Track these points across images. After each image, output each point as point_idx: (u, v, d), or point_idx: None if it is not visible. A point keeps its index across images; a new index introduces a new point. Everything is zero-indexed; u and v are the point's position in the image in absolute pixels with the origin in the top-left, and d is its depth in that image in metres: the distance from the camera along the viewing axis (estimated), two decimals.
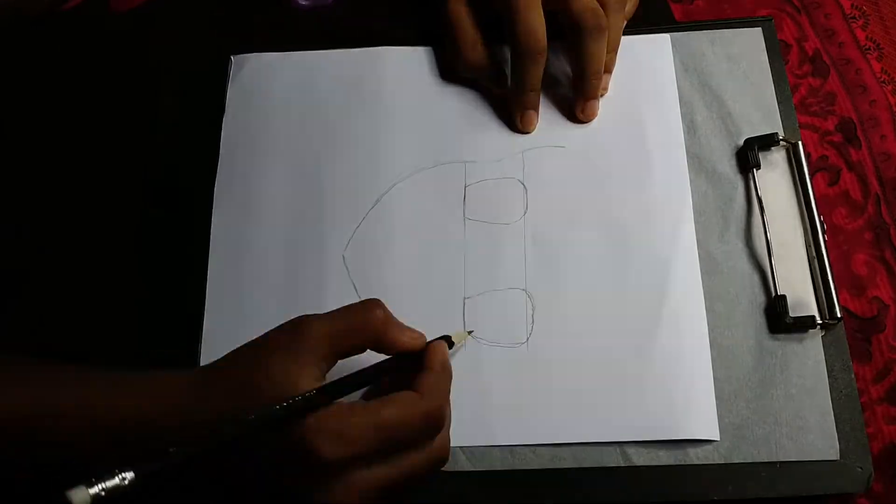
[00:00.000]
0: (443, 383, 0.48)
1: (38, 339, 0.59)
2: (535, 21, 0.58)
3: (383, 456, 0.45)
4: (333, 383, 0.46)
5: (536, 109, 0.61)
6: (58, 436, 0.45)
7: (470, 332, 0.56)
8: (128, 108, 0.66)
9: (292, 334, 0.46)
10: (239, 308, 0.58)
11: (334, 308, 0.56)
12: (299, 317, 0.47)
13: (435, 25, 0.64)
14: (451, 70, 0.64)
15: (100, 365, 0.48)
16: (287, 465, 0.44)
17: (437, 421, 0.47)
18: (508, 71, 0.62)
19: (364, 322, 0.47)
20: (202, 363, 0.56)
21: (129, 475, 0.38)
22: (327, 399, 0.44)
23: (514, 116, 0.61)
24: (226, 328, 0.57)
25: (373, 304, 0.48)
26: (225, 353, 0.56)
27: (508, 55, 0.61)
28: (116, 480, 0.38)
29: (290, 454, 0.43)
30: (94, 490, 0.37)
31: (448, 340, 0.52)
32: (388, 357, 0.50)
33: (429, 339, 0.50)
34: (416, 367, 0.49)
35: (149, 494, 0.39)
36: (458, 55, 0.62)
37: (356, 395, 0.49)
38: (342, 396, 0.45)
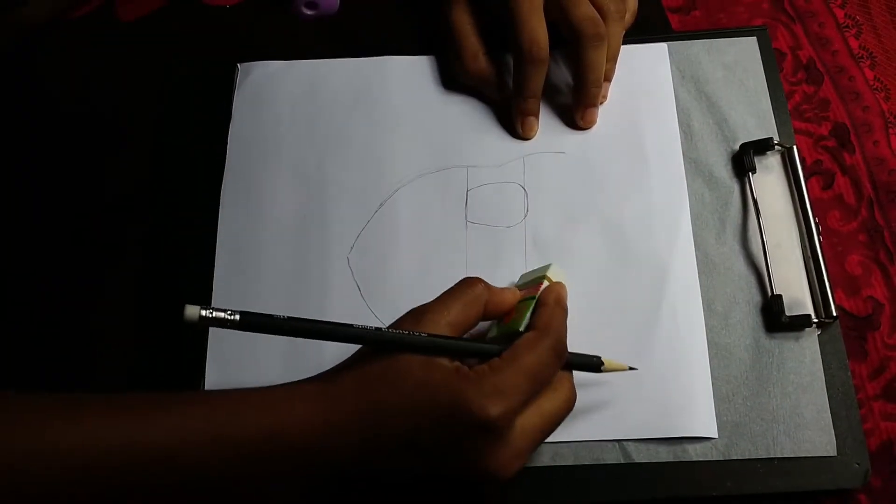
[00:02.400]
0: (558, 317, 0.50)
1: (40, 342, 0.60)
2: (538, 29, 0.59)
3: (531, 401, 0.47)
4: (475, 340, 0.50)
5: (537, 116, 0.63)
6: (194, 464, 0.44)
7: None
8: (135, 116, 0.66)
9: (413, 319, 0.48)
10: (244, 308, 0.58)
11: (338, 308, 0.58)
12: (418, 308, 0.49)
13: (438, 34, 0.65)
14: (453, 78, 0.65)
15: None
16: (458, 429, 0.45)
17: (562, 353, 0.49)
18: (509, 79, 0.63)
19: (475, 297, 0.50)
20: (208, 367, 0.57)
21: (237, 317, 0.44)
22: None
23: (515, 123, 0.63)
24: (232, 331, 0.58)
25: (476, 280, 0.51)
26: (230, 355, 0.57)
27: (509, 63, 0.63)
28: (224, 315, 0.43)
29: (456, 418, 0.45)
30: (205, 312, 0.42)
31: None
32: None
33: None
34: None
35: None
36: (460, 64, 0.63)
37: None
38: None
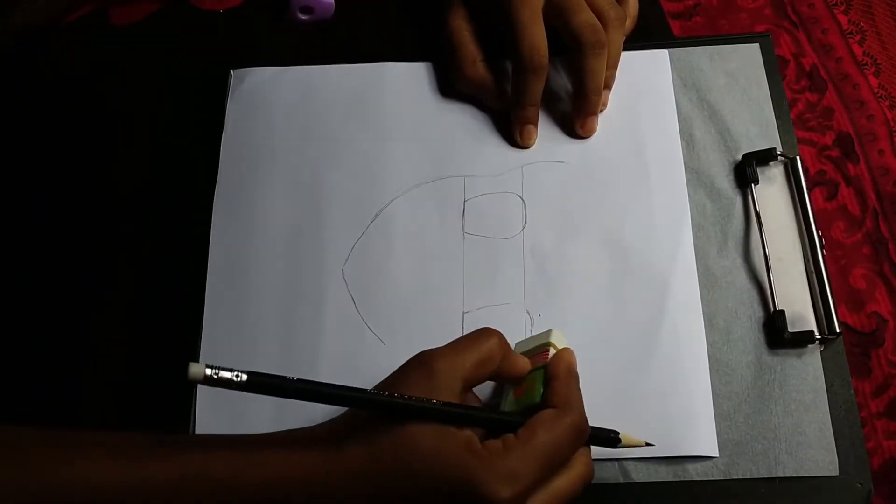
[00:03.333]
0: (575, 390, 0.48)
1: (37, 342, 0.59)
2: (538, 37, 0.58)
3: (544, 481, 0.45)
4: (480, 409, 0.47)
5: (536, 124, 0.62)
6: None
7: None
8: (128, 122, 0.66)
9: (424, 372, 0.46)
10: (237, 322, 0.58)
11: (332, 322, 0.56)
12: (425, 353, 0.47)
13: (435, 41, 0.64)
14: (450, 86, 0.64)
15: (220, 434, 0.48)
16: None
17: (583, 431, 0.47)
18: (507, 87, 0.62)
19: (490, 353, 0.48)
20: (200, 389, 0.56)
21: (244, 377, 0.41)
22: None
23: (513, 131, 0.62)
24: (224, 342, 0.57)
25: (494, 333, 0.49)
26: (223, 366, 0.56)
27: (507, 71, 0.62)
28: (230, 375, 0.41)
29: (466, 499, 0.43)
30: (209, 371, 0.40)
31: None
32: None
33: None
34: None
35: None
36: (458, 71, 0.62)
37: None
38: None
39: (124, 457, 0.44)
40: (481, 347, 0.48)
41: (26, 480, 0.42)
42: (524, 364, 0.50)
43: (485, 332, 0.49)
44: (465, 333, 0.55)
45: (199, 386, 0.56)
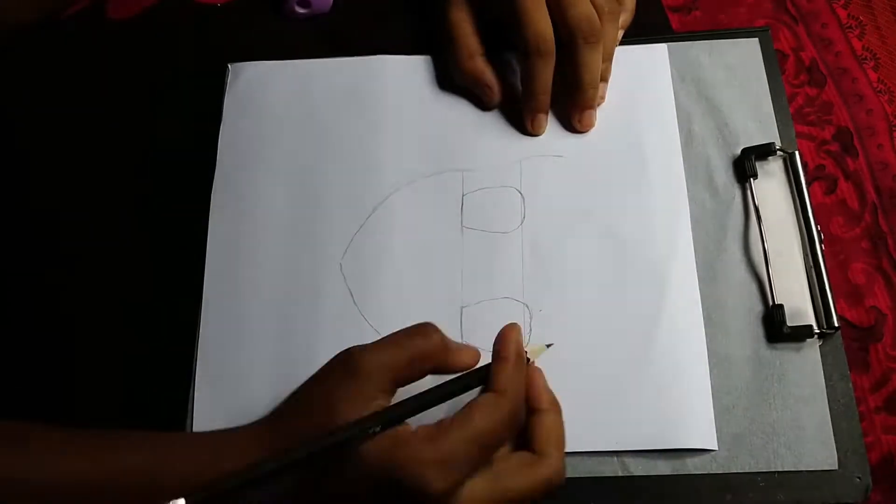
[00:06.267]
0: (518, 374, 0.46)
1: (27, 344, 0.59)
2: (543, 22, 0.58)
3: (481, 466, 0.44)
4: (400, 404, 0.45)
5: (546, 113, 0.61)
6: (121, 502, 0.45)
7: (549, 346, 0.53)
8: (125, 116, 0.65)
9: (347, 370, 0.46)
10: (235, 315, 0.58)
11: (330, 315, 0.56)
12: (348, 351, 0.47)
13: (435, 34, 0.64)
14: (449, 79, 0.64)
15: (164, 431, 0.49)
16: (395, 500, 0.43)
17: (520, 419, 0.46)
18: (508, 81, 0.62)
19: (424, 351, 0.47)
20: (197, 371, 0.56)
21: (181, 501, 0.40)
22: (396, 417, 0.44)
23: (525, 120, 0.61)
24: (222, 335, 0.57)
25: (430, 330, 0.47)
26: (221, 361, 0.57)
27: (508, 65, 0.62)
28: None
29: (396, 492, 0.42)
30: None
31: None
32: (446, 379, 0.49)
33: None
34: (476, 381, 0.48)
35: None
36: (457, 64, 0.62)
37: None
38: (409, 417, 0.45)
39: (69, 451, 0.45)
40: (413, 345, 0.47)
41: None
42: (472, 354, 0.49)
43: (420, 329, 0.47)
44: (462, 328, 0.56)
45: (196, 385, 0.56)
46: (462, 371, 0.48)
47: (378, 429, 0.43)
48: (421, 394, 0.46)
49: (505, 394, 0.45)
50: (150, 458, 0.46)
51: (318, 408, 0.45)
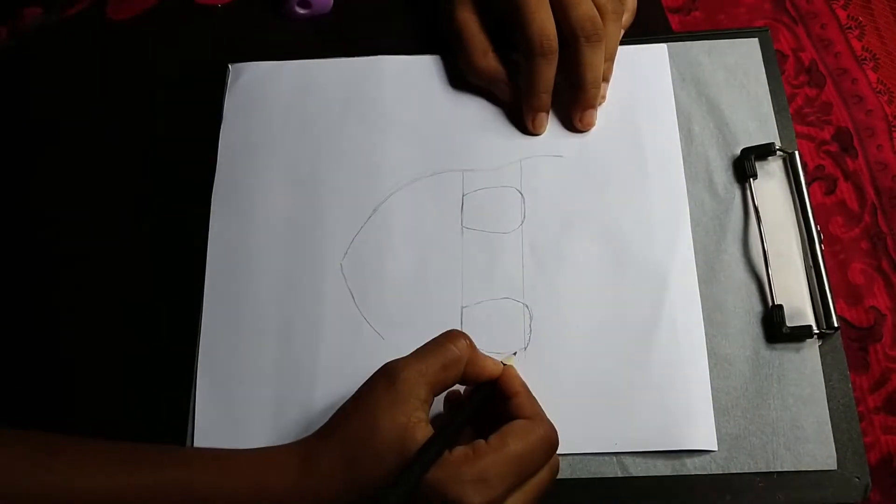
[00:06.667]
0: (536, 403, 0.50)
1: (27, 344, 0.59)
2: (546, 21, 0.58)
3: (517, 486, 0.46)
4: (445, 429, 0.46)
5: (548, 112, 0.61)
6: None
7: (514, 353, 0.55)
8: (125, 116, 0.66)
9: (388, 384, 0.47)
10: (236, 316, 0.58)
11: (331, 316, 0.57)
12: (389, 364, 0.48)
13: (441, 34, 0.64)
14: (449, 79, 0.64)
15: (203, 448, 0.50)
16: None
17: (555, 442, 0.48)
18: (518, 77, 0.62)
19: (456, 358, 0.48)
20: (199, 370, 0.56)
21: None
22: (443, 444, 0.45)
23: (525, 119, 0.61)
24: (223, 337, 0.57)
25: (460, 335, 0.49)
26: (222, 360, 0.56)
27: (517, 62, 0.61)
28: None
29: None
30: None
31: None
32: (470, 393, 0.51)
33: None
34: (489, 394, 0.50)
35: None
36: (469, 62, 0.62)
37: None
38: (457, 440, 0.47)
39: (106, 464, 0.45)
40: (445, 351, 0.48)
41: (5, 485, 0.43)
42: (494, 366, 0.50)
43: (449, 335, 0.49)
44: (462, 328, 0.56)
45: (197, 385, 0.56)
46: (484, 380, 0.50)
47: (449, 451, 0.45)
48: (461, 411, 0.49)
49: (534, 420, 0.48)
50: (187, 472, 0.46)
51: (361, 423, 0.46)
